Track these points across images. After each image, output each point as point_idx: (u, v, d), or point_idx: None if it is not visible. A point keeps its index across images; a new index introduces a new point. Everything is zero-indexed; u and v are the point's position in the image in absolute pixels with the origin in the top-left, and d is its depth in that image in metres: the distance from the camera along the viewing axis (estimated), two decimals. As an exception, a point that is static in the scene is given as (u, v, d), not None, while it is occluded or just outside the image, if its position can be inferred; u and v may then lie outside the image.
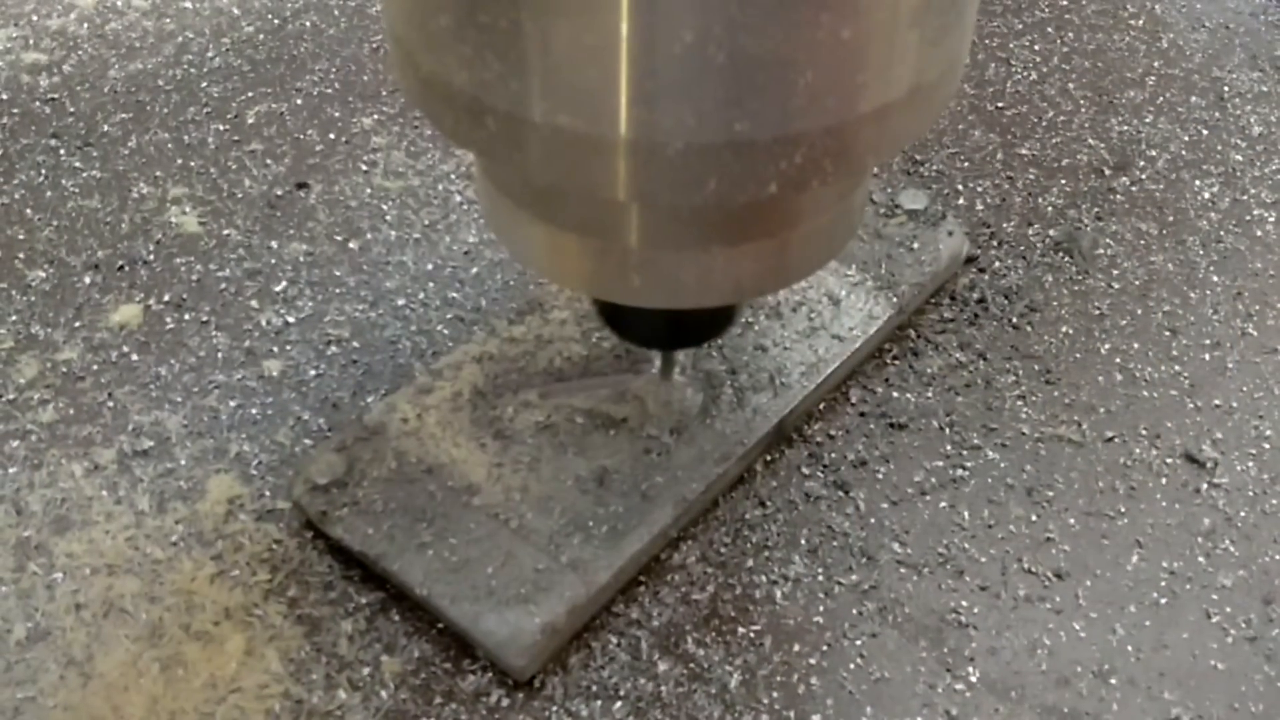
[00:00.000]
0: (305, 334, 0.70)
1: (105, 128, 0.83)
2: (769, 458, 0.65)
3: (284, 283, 0.73)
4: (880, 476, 0.64)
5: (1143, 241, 0.77)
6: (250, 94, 0.85)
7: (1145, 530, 0.62)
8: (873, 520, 0.62)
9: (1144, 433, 0.66)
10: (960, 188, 0.80)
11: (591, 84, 0.40)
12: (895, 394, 0.68)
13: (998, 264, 0.75)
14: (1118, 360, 0.70)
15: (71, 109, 0.84)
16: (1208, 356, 0.70)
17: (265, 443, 0.64)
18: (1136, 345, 0.71)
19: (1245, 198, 0.80)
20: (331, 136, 0.82)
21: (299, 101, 0.85)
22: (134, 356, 0.68)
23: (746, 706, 0.55)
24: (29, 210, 0.77)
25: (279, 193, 0.78)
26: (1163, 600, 0.59)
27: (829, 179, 0.43)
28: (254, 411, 0.66)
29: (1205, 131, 0.85)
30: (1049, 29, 0.93)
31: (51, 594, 0.58)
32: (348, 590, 0.58)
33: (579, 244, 0.49)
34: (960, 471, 0.64)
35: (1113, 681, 0.56)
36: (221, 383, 0.67)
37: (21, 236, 0.75)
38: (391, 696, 0.55)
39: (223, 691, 0.54)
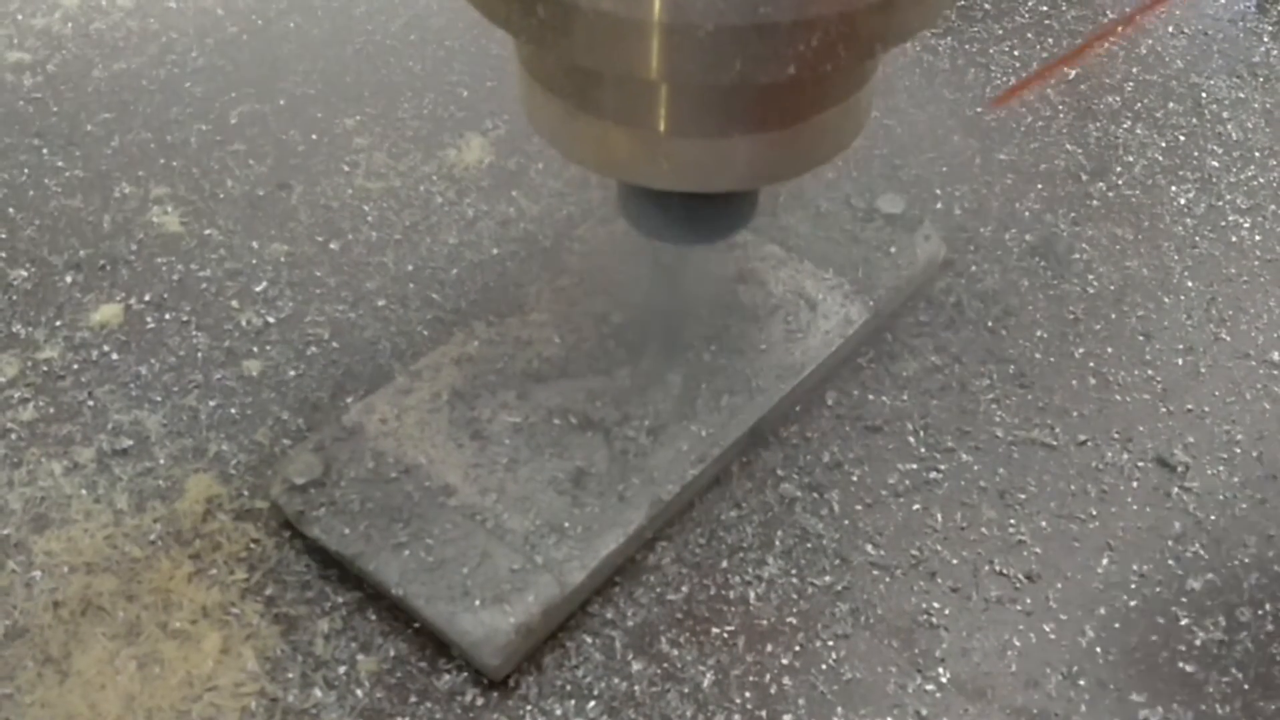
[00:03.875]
0: (285, 334, 0.70)
1: (88, 127, 0.83)
2: (745, 459, 0.65)
3: (265, 283, 0.73)
4: (854, 479, 0.65)
5: (1118, 246, 0.77)
6: (233, 94, 0.86)
7: (1116, 533, 0.63)
8: (846, 522, 0.63)
9: (1116, 436, 0.67)
10: (938, 192, 0.80)
11: None
12: (871, 397, 0.68)
13: (974, 268, 0.75)
14: (1091, 364, 0.70)
15: (55, 108, 0.85)
16: (1181, 361, 0.71)
17: (244, 442, 0.65)
18: (1110, 350, 0.71)
19: (1221, 203, 0.81)
20: (314, 137, 0.83)
21: (282, 102, 0.85)
22: (114, 356, 0.69)
23: (719, 706, 0.56)
24: (11, 209, 0.77)
25: (261, 193, 0.79)
26: (1132, 603, 0.60)
27: (841, 62, 0.48)
28: (233, 411, 0.66)
29: (1182, 137, 0.85)
30: (1029, 34, 0.94)
31: (29, 592, 0.58)
32: (324, 589, 0.59)
33: (615, 131, 0.54)
34: (934, 474, 0.65)
35: (1082, 683, 0.57)
36: (201, 382, 0.67)
37: (3, 235, 0.75)
38: (367, 695, 0.55)
39: (199, 690, 0.55)
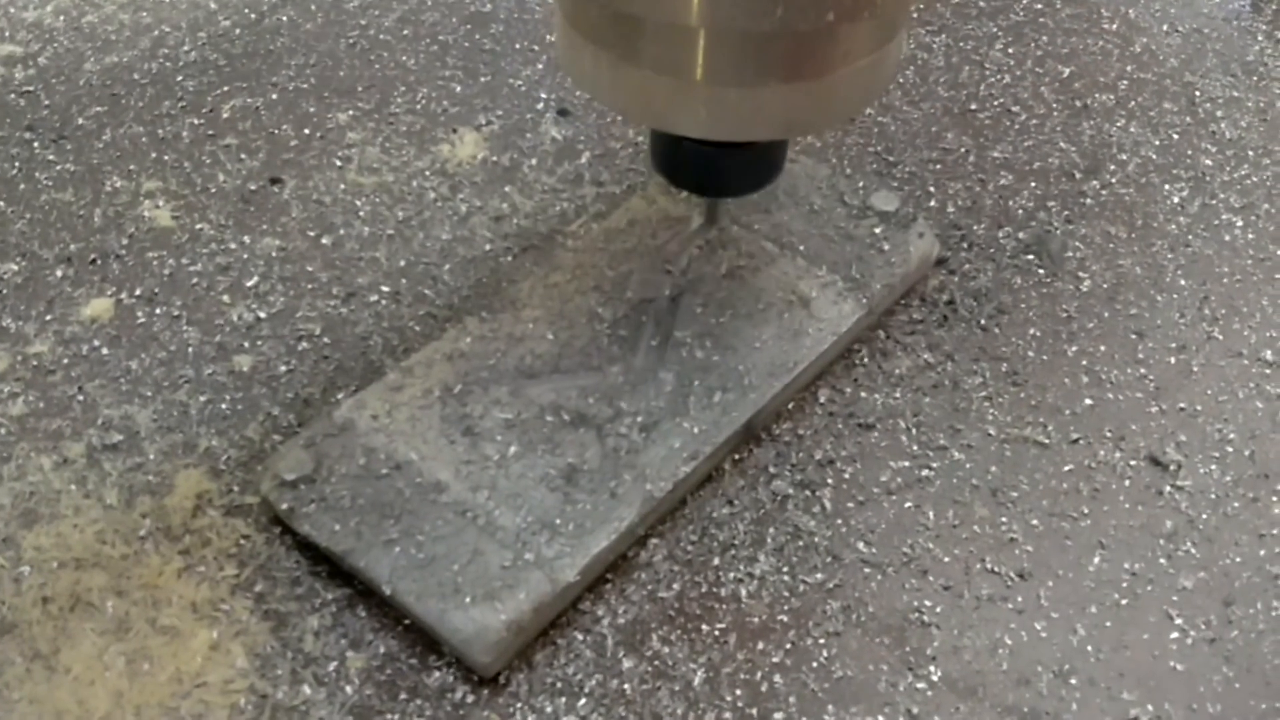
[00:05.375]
0: (276, 330, 0.70)
1: (80, 120, 0.83)
2: (737, 457, 0.65)
3: (256, 278, 0.73)
4: (847, 476, 0.65)
5: (1111, 245, 0.77)
6: (225, 88, 0.85)
7: (1108, 532, 0.63)
8: (839, 520, 0.63)
9: (1109, 435, 0.67)
10: (932, 189, 0.80)
11: None
12: (864, 394, 0.68)
13: (968, 266, 0.75)
14: (1084, 363, 0.70)
15: (47, 102, 0.84)
16: (1173, 360, 0.71)
17: (234, 438, 0.64)
18: (1103, 348, 0.71)
19: (1214, 202, 0.81)
20: (306, 132, 0.82)
21: (274, 96, 0.85)
22: (105, 350, 0.68)
23: (710, 704, 0.56)
24: (2, 202, 0.77)
25: (253, 187, 0.78)
26: (1124, 601, 0.60)
27: (877, 11, 0.50)
28: (224, 407, 0.66)
29: (1176, 136, 0.85)
30: (1025, 31, 0.94)
31: (18, 587, 0.58)
32: (314, 586, 0.58)
33: (655, 80, 0.55)
34: (926, 472, 0.65)
35: (1073, 681, 0.57)
36: (192, 377, 0.67)
37: (-7, 229, 0.75)
38: (356, 692, 0.55)
39: (188, 686, 0.55)
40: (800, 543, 0.62)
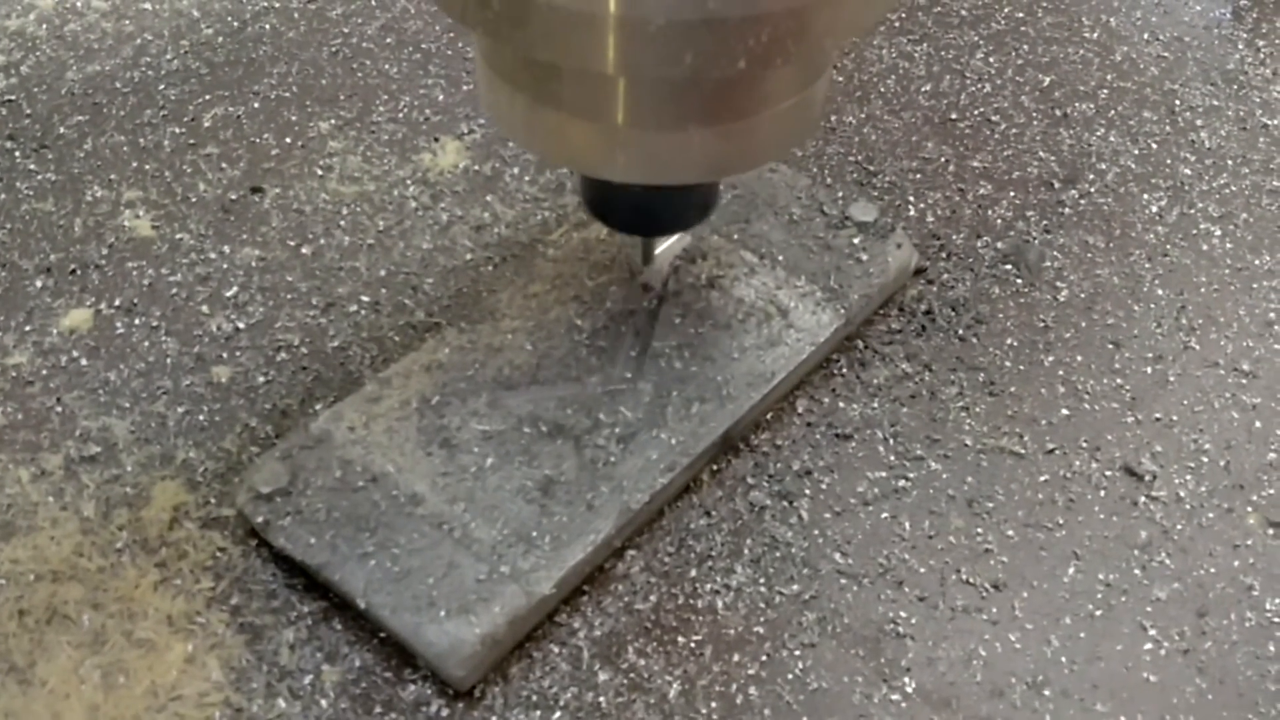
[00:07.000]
0: (255, 340, 0.70)
1: (61, 130, 0.83)
2: (715, 467, 0.65)
3: (235, 288, 0.73)
4: (824, 487, 0.65)
5: (1089, 254, 0.78)
6: (207, 97, 0.85)
7: (1083, 542, 0.63)
8: (815, 531, 0.63)
9: (1084, 445, 0.67)
10: (912, 199, 0.80)
11: None
12: (841, 404, 0.68)
13: (946, 276, 0.75)
14: (1061, 373, 0.71)
15: (28, 111, 0.84)
16: (1150, 370, 0.71)
17: (212, 449, 0.65)
18: (1080, 358, 0.72)
19: (1192, 211, 0.81)
20: (288, 140, 0.82)
21: (256, 105, 0.85)
22: (83, 361, 0.69)
23: (685, 717, 0.56)
24: (-18, 212, 0.77)
25: (233, 197, 0.78)
26: (1098, 612, 0.60)
27: (791, 58, 0.49)
28: (201, 418, 0.66)
29: (1155, 145, 0.86)
30: (1006, 40, 0.94)
31: (-6, 600, 0.58)
32: (290, 599, 0.59)
33: (572, 124, 0.55)
34: (903, 482, 0.65)
35: (1046, 693, 0.57)
36: (170, 389, 0.67)
37: (-27, 239, 0.75)
38: (331, 705, 0.55)
39: (163, 699, 0.55)
40: (777, 554, 0.62)
